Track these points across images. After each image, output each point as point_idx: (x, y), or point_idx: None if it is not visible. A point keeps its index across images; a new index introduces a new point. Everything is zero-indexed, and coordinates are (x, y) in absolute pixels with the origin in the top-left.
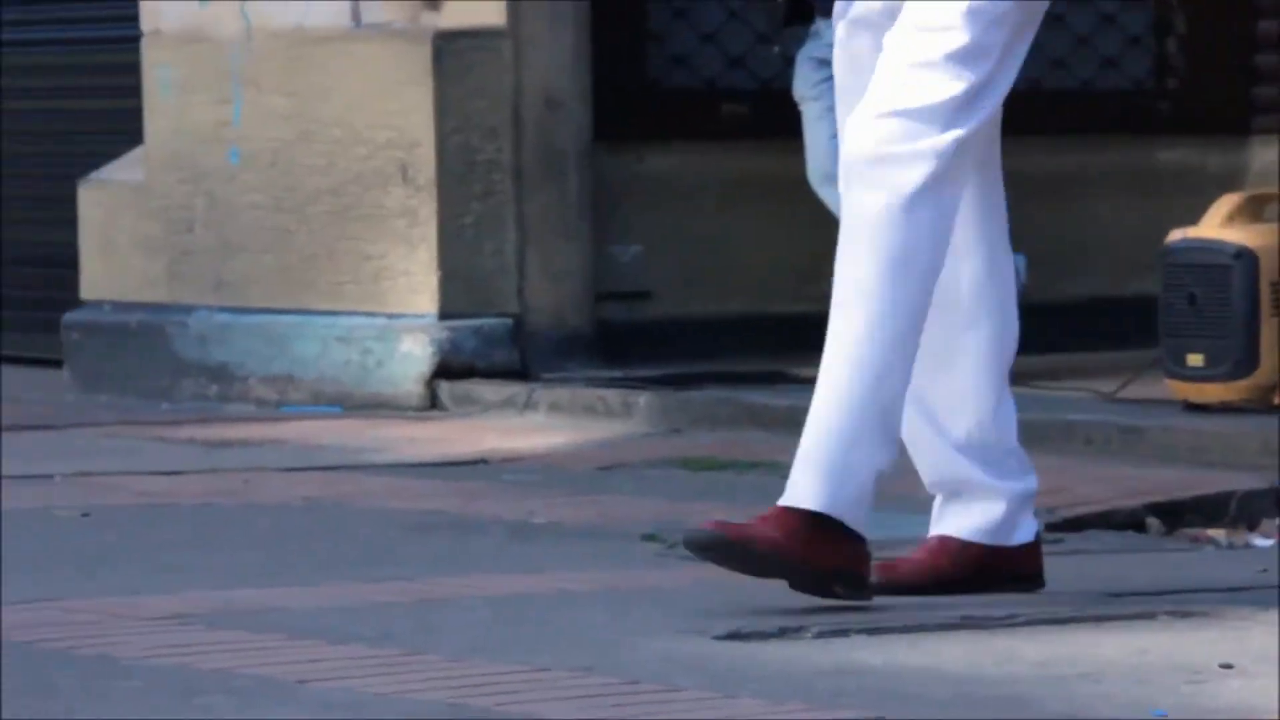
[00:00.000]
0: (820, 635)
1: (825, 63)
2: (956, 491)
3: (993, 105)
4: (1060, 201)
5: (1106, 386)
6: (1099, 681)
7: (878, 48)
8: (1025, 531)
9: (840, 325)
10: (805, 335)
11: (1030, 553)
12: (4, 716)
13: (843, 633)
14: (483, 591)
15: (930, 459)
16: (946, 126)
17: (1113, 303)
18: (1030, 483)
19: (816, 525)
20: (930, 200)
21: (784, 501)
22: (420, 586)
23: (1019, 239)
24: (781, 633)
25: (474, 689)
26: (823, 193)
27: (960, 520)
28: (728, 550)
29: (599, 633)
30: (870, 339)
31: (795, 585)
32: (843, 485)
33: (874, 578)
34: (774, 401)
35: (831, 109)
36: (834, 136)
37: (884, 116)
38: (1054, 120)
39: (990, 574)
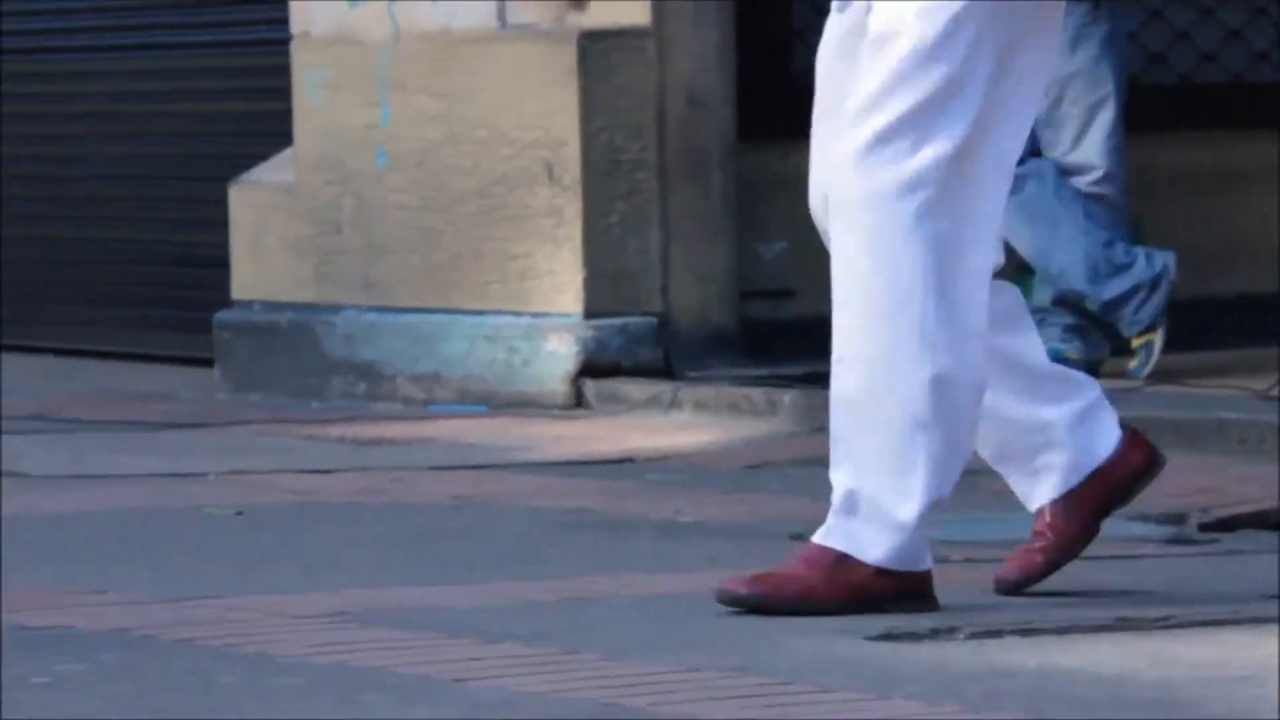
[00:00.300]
0: (973, 636)
1: None
2: (1027, 450)
3: (975, 109)
4: (1210, 197)
5: (1260, 384)
6: (1257, 684)
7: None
8: (1111, 434)
9: (861, 374)
10: None
11: (1133, 447)
12: (158, 713)
13: (995, 634)
14: (633, 591)
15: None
16: (918, 146)
17: (1265, 299)
18: (1088, 395)
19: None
20: (924, 229)
21: (839, 547)
22: (571, 585)
23: (1168, 236)
24: (934, 634)
25: (628, 689)
26: None
27: (1048, 480)
28: (765, 608)
29: (750, 633)
30: (894, 382)
31: (849, 614)
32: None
33: (1011, 575)
34: None
35: None
36: None
37: (857, 150)
38: (1204, 115)
39: (1108, 495)
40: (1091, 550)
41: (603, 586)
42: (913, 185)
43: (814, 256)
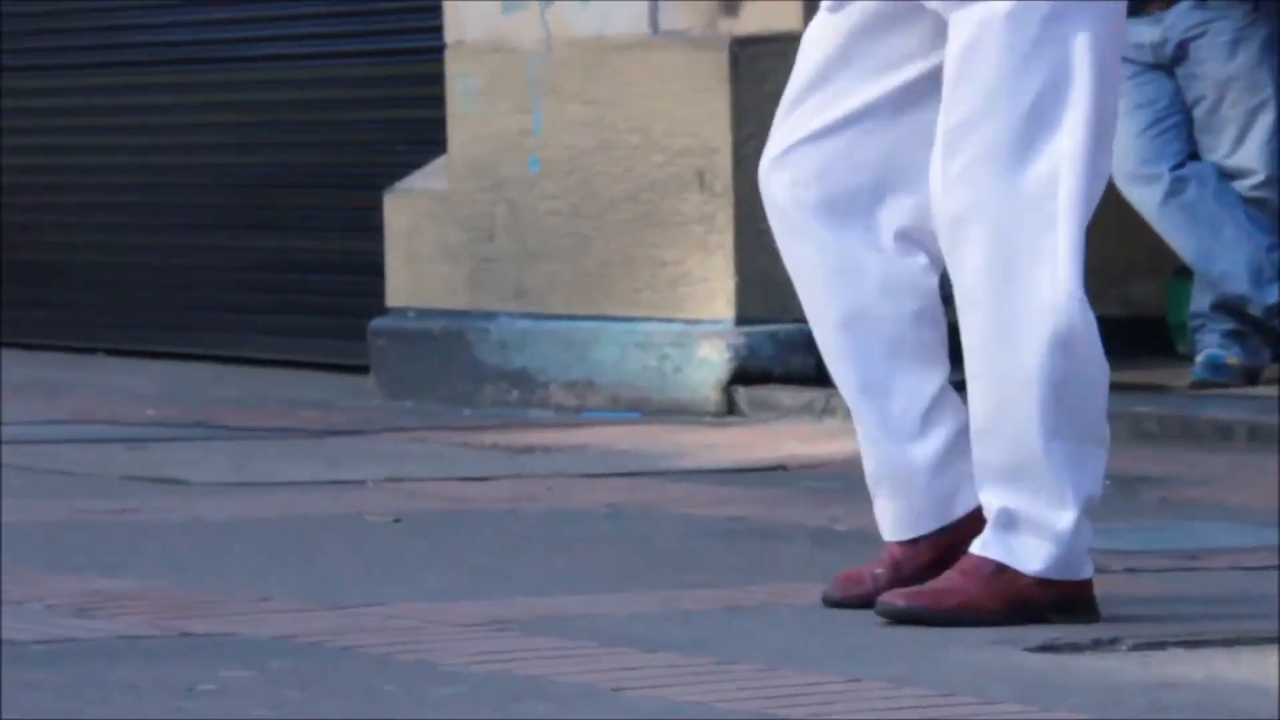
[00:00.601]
0: (1136, 648)
1: (1127, 59)
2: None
3: (1084, 110)
4: None
5: None
6: None
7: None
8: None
9: (990, 393)
10: (1107, 338)
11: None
12: None
13: (1159, 645)
14: (790, 600)
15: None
16: (1038, 151)
17: None
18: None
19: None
20: (1053, 235)
21: (997, 557)
22: (728, 594)
23: None
24: (1095, 645)
25: (786, 699)
26: (1129, 192)
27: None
28: (924, 619)
29: (909, 643)
30: (1019, 397)
31: (1009, 624)
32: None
33: (840, 593)
34: None
35: (1138, 105)
36: (1141, 134)
37: (974, 166)
38: None
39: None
40: (1256, 560)
41: (760, 595)
42: (1040, 191)
43: None
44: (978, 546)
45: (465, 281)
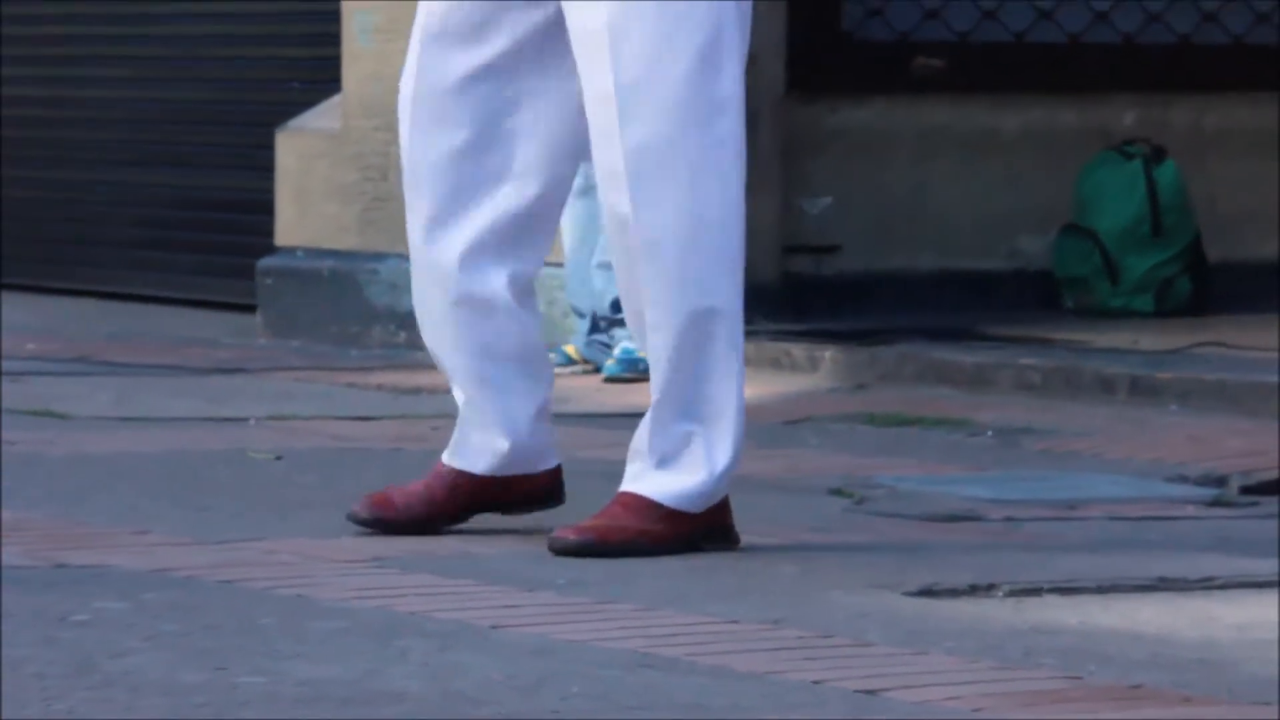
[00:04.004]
0: (1012, 594)
1: None
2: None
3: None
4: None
5: None
6: None
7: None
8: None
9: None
10: (994, 291)
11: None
12: (199, 653)
13: (1035, 592)
14: None
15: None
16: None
17: None
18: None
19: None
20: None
21: (642, 492)
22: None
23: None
24: (972, 590)
25: (664, 639)
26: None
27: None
28: (597, 552)
29: (789, 586)
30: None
31: (661, 555)
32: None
33: (368, 514)
34: (961, 358)
35: None
36: None
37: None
38: None
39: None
40: (1132, 511)
41: None
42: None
43: (860, 213)
44: (635, 485)
45: (355, 221)
